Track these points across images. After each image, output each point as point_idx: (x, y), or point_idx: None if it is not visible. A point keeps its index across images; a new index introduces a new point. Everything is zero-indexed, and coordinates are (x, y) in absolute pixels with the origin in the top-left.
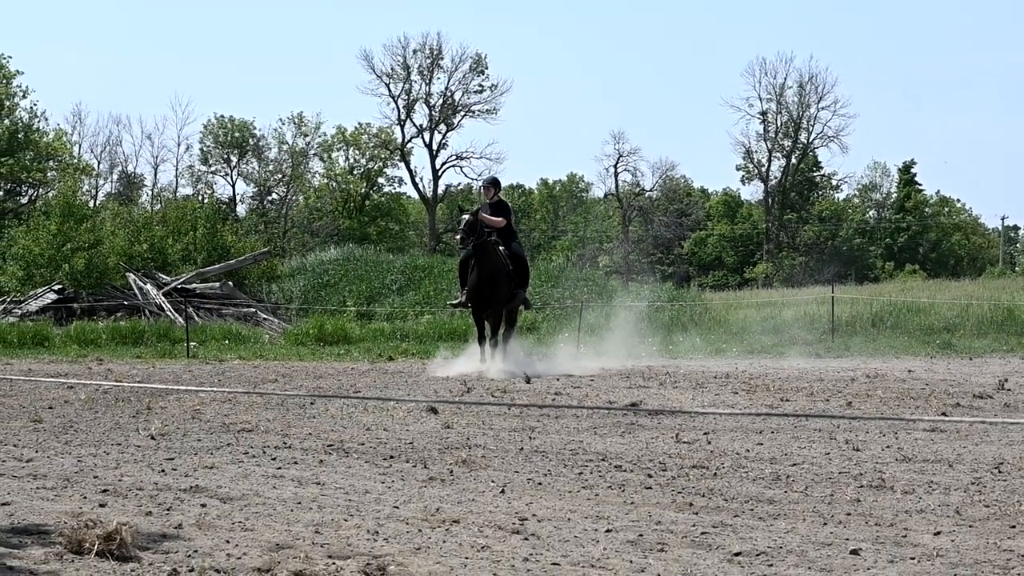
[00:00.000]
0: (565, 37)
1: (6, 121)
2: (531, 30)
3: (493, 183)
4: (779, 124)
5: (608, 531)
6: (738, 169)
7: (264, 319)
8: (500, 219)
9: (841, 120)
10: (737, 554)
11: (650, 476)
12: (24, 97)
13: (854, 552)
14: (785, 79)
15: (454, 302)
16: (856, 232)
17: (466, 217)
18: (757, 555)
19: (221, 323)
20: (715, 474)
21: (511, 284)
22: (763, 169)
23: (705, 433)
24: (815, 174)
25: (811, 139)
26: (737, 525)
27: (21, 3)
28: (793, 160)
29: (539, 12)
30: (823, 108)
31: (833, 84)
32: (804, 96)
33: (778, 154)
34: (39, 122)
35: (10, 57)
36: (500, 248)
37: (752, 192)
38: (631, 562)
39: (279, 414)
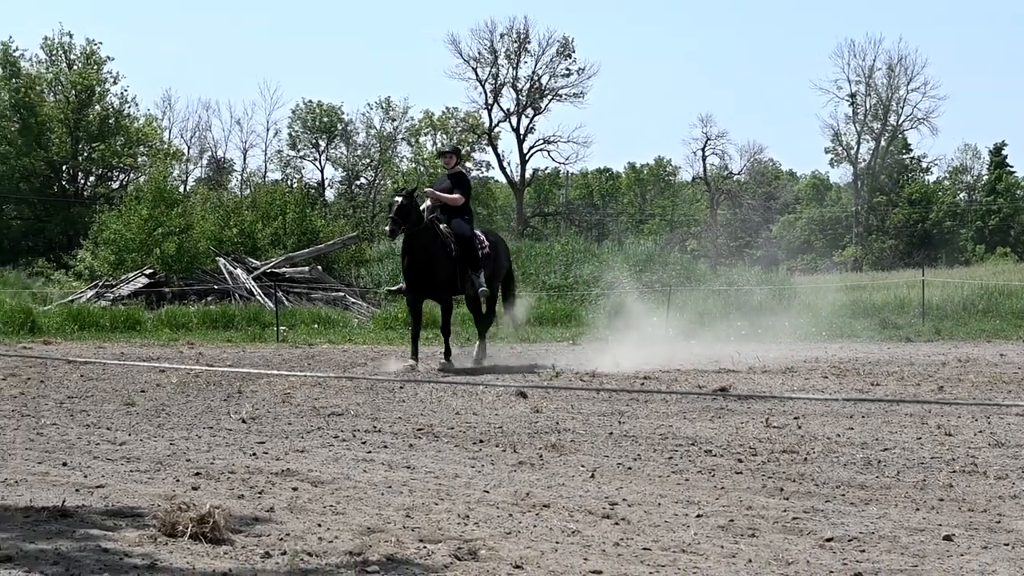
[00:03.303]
0: (652, 20)
1: (97, 107)
2: (618, 13)
3: (454, 151)
4: (868, 106)
5: (699, 516)
6: (827, 152)
7: (353, 303)
8: (458, 196)
9: (931, 102)
10: (829, 540)
11: (740, 461)
12: (115, 83)
13: (947, 538)
14: (874, 61)
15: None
16: (946, 215)
17: (399, 200)
18: (849, 541)
19: (310, 307)
20: (805, 459)
21: (454, 268)
22: (852, 152)
23: (795, 418)
24: (905, 157)
25: (900, 121)
26: (828, 511)
27: None
28: (882, 143)
29: None
30: (913, 90)
31: (923, 66)
32: (893, 78)
33: (867, 136)
34: (130, 108)
35: (101, 43)
36: (441, 226)
37: (841, 175)
38: (722, 547)
39: (369, 398)
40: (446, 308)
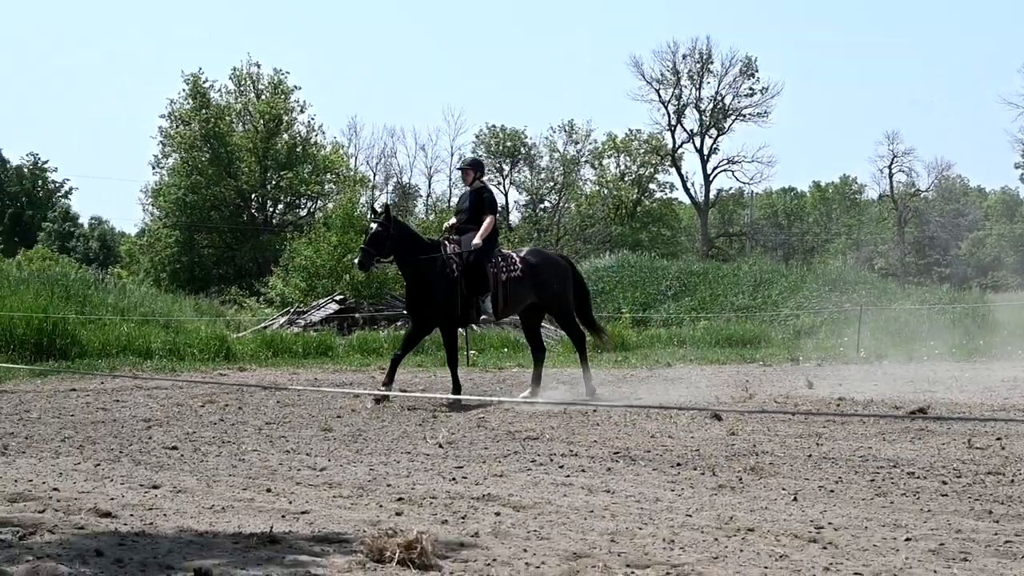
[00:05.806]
0: (836, 37)
1: (285, 135)
2: (801, 31)
3: (473, 165)
4: None
5: (907, 540)
6: (1017, 167)
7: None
8: (489, 222)
9: None
10: None
11: (945, 483)
12: (302, 111)
13: None
14: None
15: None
16: None
17: (374, 227)
18: None
19: (499, 331)
20: (1012, 481)
21: (454, 292)
22: None
23: (998, 439)
24: None
25: None
26: None
27: (298, 21)
28: None
29: (808, 13)
30: None
31: None
32: None
33: None
34: (316, 136)
35: (288, 73)
36: (450, 245)
37: None
38: (935, 572)
39: (562, 422)
40: (448, 338)
